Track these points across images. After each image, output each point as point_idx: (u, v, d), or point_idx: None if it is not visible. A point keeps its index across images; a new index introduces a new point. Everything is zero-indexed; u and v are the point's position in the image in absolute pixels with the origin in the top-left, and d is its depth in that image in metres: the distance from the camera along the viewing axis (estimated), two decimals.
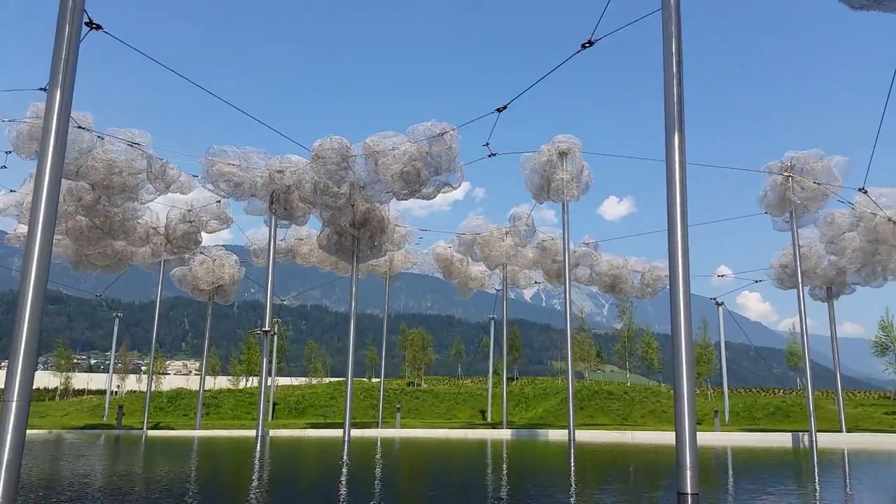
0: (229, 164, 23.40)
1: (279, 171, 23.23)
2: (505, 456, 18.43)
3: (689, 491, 7.82)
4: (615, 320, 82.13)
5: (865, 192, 22.13)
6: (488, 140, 21.37)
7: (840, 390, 32.38)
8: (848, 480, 11.39)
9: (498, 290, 37.48)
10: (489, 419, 43.39)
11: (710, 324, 56.86)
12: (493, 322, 42.84)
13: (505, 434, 30.30)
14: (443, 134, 20.01)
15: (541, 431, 31.62)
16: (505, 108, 18.48)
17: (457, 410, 50.03)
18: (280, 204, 23.74)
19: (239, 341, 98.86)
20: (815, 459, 17.49)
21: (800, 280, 24.03)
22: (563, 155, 24.57)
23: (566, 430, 23.44)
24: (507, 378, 44.81)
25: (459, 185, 21.84)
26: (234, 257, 33.59)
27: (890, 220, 21.99)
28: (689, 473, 7.89)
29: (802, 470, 14.40)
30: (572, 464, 14.07)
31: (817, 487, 9.82)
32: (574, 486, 9.39)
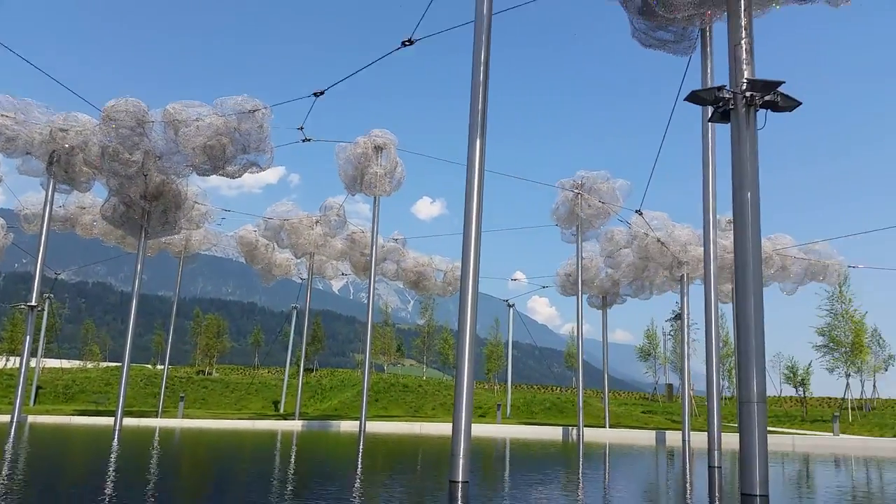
0: (2, 114, 20.49)
1: (62, 130, 20.78)
2: (293, 447, 18.06)
3: (459, 479, 8.19)
4: (418, 316, 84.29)
5: (641, 214, 24.86)
6: (303, 124, 20.87)
7: (607, 390, 36.10)
8: (607, 469, 12.63)
9: (303, 280, 36.78)
10: (282, 410, 42.38)
11: (501, 324, 60.65)
12: (295, 311, 41.94)
13: (296, 425, 29.75)
14: (254, 111, 19.14)
15: (333, 422, 31.51)
16: (322, 93, 18.11)
17: (248, 401, 48.23)
18: (60, 166, 21.24)
19: (2, 316, 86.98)
20: (581, 450, 19.25)
21: (580, 288, 26.46)
22: (378, 149, 24.72)
23: (357, 422, 23.59)
24: (306, 369, 44.01)
25: (268, 167, 21.04)
26: (1, 221, 29.69)
27: (658, 240, 24.89)
28: (460, 462, 8.27)
29: (569, 460, 15.74)
30: (360, 453, 14.17)
31: (580, 476, 10.78)
32: (355, 475, 9.44)
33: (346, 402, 50.32)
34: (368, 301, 25.55)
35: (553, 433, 31.24)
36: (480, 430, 32.60)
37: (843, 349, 51.02)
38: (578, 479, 10.45)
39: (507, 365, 48.91)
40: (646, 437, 30.14)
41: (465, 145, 9.55)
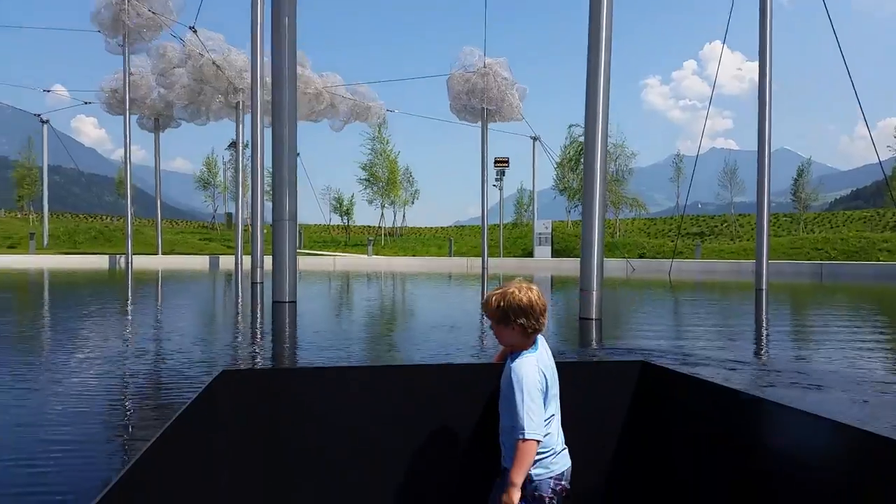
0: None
1: None
2: None
3: None
4: None
5: (195, 31, 23.26)
6: None
7: (160, 217, 34.88)
8: (160, 293, 12.46)
9: None
10: None
11: (35, 144, 51.87)
12: None
13: None
14: None
15: None
16: None
17: None
18: None
19: None
20: (130, 277, 18.53)
21: (127, 107, 24.07)
22: None
23: None
24: None
25: None
26: None
27: (214, 62, 23.92)
28: None
29: (116, 285, 15.05)
30: None
31: (128, 297, 10.44)
32: None
33: None
34: None
35: (99, 262, 29.26)
36: (8, 260, 28.51)
37: (381, 183, 58.86)
38: (127, 300, 10.17)
39: (42, 190, 42.77)
40: (199, 262, 30.60)
41: None
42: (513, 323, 2.78)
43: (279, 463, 3.17)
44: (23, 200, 61.69)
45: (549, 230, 39.76)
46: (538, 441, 2.58)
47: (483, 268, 27.07)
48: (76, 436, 2.62)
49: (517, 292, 2.79)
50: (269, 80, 14.81)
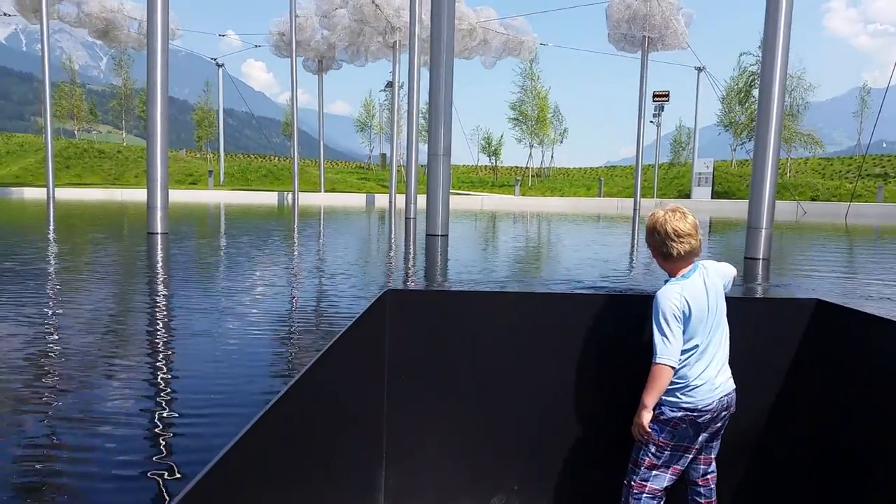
0: None
1: None
2: None
3: (158, 230, 8.12)
4: (113, 75, 74.03)
5: None
6: None
7: (322, 157, 36.93)
8: (322, 226, 13.39)
9: None
10: None
11: (212, 88, 56.42)
12: None
13: None
14: None
15: (13, 189, 27.92)
16: None
17: None
18: None
19: None
20: (296, 212, 19.97)
21: (293, 49, 25.37)
22: None
23: (44, 189, 21.22)
24: None
25: None
26: None
27: (373, 1, 24.41)
28: (158, 215, 8.14)
29: (284, 219, 16.31)
30: (50, 216, 12.98)
31: (294, 230, 11.33)
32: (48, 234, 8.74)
33: (30, 168, 44.53)
34: (42, 52, 21.70)
35: (268, 198, 31.66)
36: (191, 195, 31.65)
37: (530, 122, 58.03)
38: (293, 231, 11.02)
39: (218, 131, 46.66)
40: (357, 200, 32.21)
41: None
42: (650, 247, 2.76)
43: (440, 378, 3.36)
44: (201, 141, 67.79)
45: (711, 169, 37.39)
46: (672, 368, 2.55)
47: (635, 209, 26.13)
48: (267, 333, 2.94)
49: (650, 217, 2.75)
50: (426, 17, 14.90)
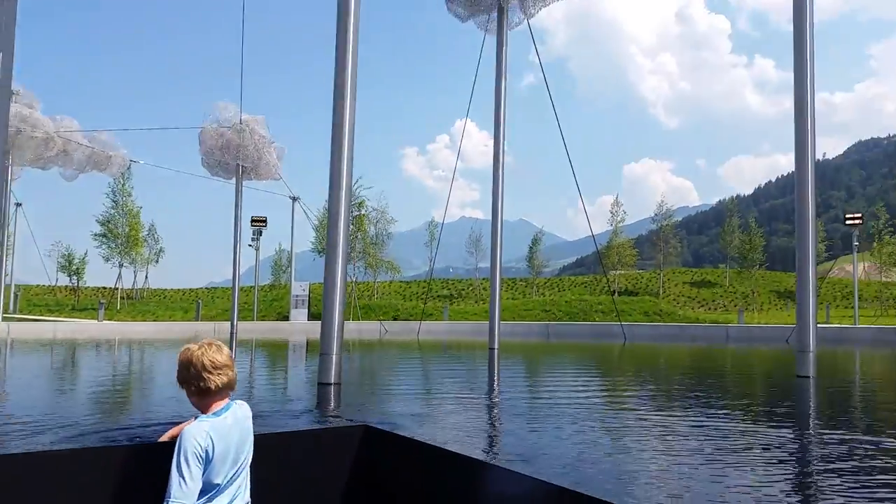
0: None
1: None
2: None
3: None
4: None
5: None
6: None
7: None
8: None
9: None
10: None
11: None
12: None
13: None
14: None
15: None
16: None
17: None
18: None
19: None
20: None
21: None
22: None
23: None
24: None
25: None
26: None
27: None
28: None
29: None
30: None
31: None
32: None
33: None
34: None
35: None
36: None
37: (120, 240, 53.61)
38: None
39: None
40: None
41: None
42: (184, 383, 2.65)
43: None
44: None
45: (307, 292, 39.30)
46: None
47: (231, 333, 25.71)
48: None
49: (184, 352, 2.68)
50: None
